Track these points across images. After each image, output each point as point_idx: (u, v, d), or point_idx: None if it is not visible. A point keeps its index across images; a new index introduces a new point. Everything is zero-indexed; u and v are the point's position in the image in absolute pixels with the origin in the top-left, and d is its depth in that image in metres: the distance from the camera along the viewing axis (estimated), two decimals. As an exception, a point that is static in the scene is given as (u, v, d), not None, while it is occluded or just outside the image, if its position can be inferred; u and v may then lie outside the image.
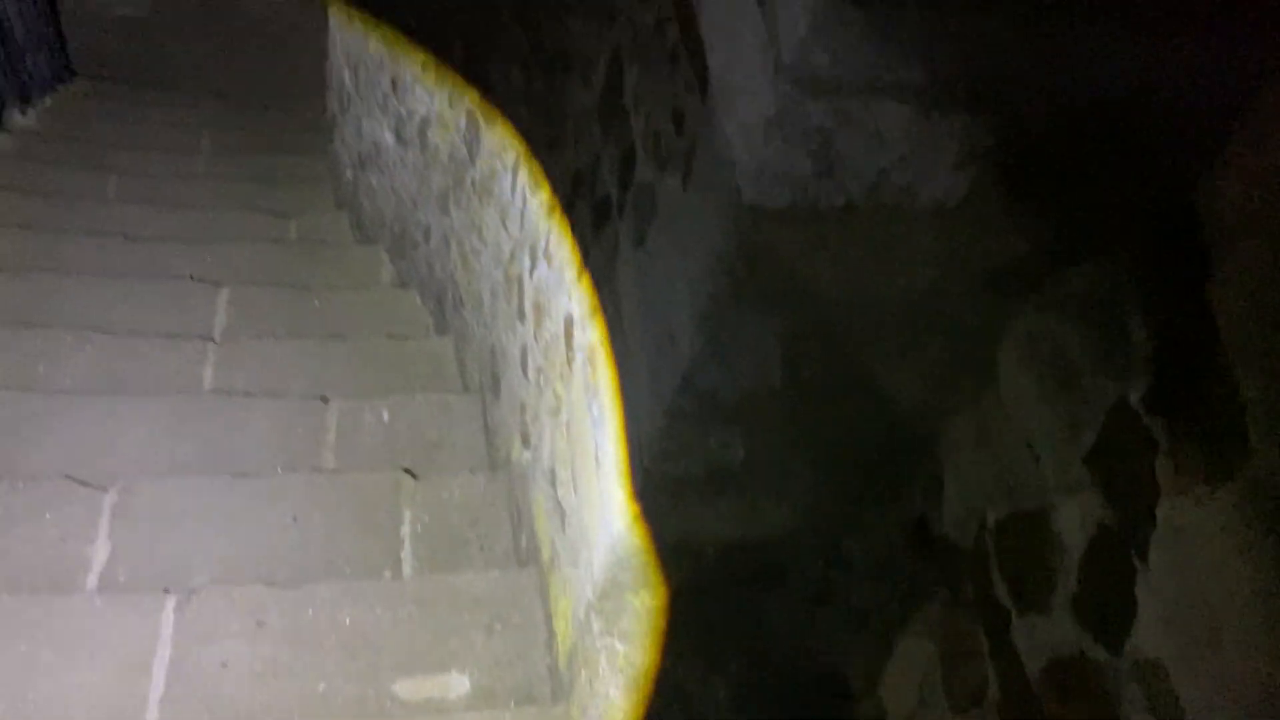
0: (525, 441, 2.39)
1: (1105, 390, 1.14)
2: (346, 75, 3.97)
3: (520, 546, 2.41)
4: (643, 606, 1.77)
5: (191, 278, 3.41)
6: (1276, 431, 0.91)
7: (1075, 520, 1.17)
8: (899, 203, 1.07)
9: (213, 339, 3.13)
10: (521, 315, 2.39)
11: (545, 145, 2.26)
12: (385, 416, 2.83)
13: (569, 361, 1.94)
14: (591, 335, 1.77)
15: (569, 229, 1.99)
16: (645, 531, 1.62)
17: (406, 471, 2.57)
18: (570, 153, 2.05)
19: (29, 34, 5.02)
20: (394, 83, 3.40)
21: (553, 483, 2.09)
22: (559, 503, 2.04)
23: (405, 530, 2.45)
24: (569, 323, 1.96)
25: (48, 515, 2.27)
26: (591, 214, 1.83)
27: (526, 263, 2.34)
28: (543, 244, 2.20)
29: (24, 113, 4.78)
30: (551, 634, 2.08)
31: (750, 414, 1.35)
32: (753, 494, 1.54)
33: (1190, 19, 0.92)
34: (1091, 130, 1.00)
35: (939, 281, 1.18)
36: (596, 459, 1.72)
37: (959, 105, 0.97)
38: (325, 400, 2.84)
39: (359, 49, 3.72)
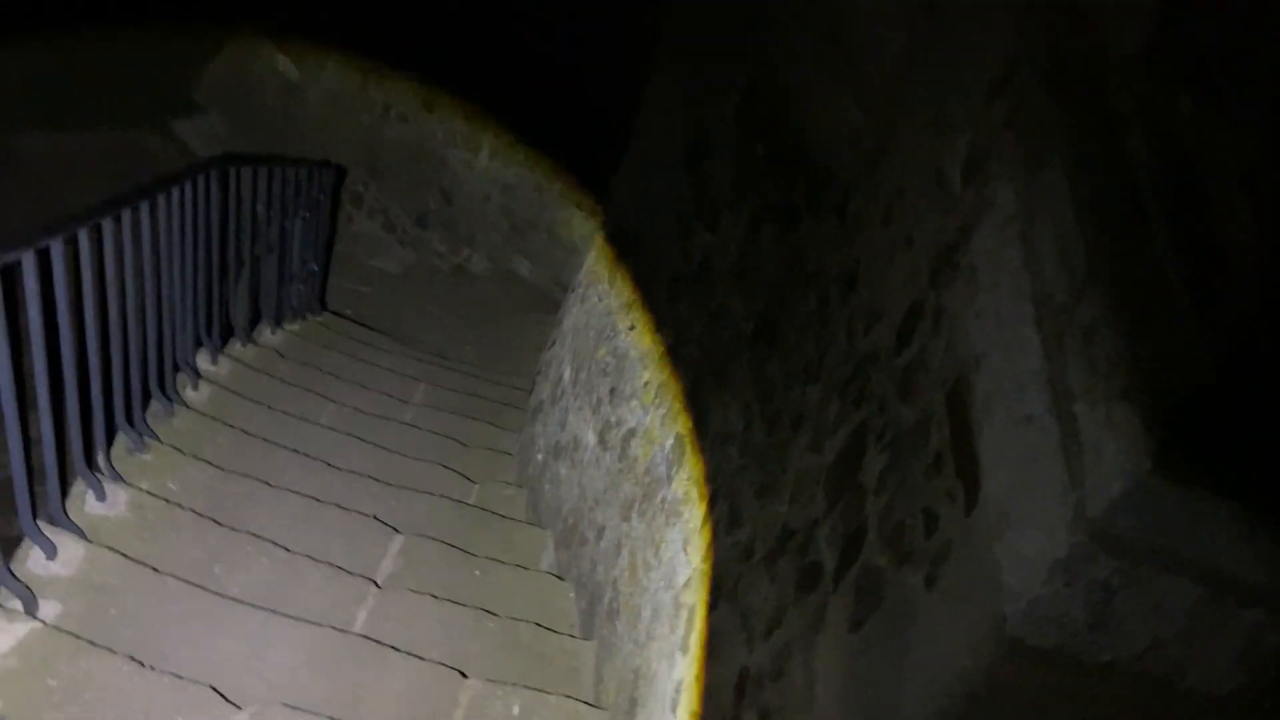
0: (655, 784, 2.27)
1: None
2: (567, 370, 4.24)
3: None
4: None
5: (375, 518, 3.54)
6: None
7: None
8: (1164, 676, 1.02)
9: (376, 582, 3.20)
10: (685, 649, 2.35)
11: (753, 490, 2.32)
12: (515, 710, 2.77)
13: (736, 718, 1.87)
14: (772, 700, 1.72)
15: (765, 580, 1.99)
16: None
17: (523, 776, 2.47)
18: (782, 505, 2.09)
19: (302, 266, 5.65)
20: (612, 391, 3.61)
21: (681, 842, 1.96)
22: None
23: (506, 841, 2.31)
24: (743, 676, 1.91)
25: (179, 718, 2.28)
26: (796, 575, 1.83)
27: (705, 597, 2.33)
28: (731, 585, 2.19)
29: (274, 332, 5.29)
30: None
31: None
32: None
33: None
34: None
35: (1189, 768, 1.10)
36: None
37: (1256, 601, 0.94)
38: (463, 676, 2.82)
39: (587, 352, 4.00)
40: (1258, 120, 0.94)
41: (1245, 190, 0.89)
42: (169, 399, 3.74)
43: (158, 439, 3.50)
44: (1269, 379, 0.83)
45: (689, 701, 2.18)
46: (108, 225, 2.79)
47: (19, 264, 2.31)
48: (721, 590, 2.24)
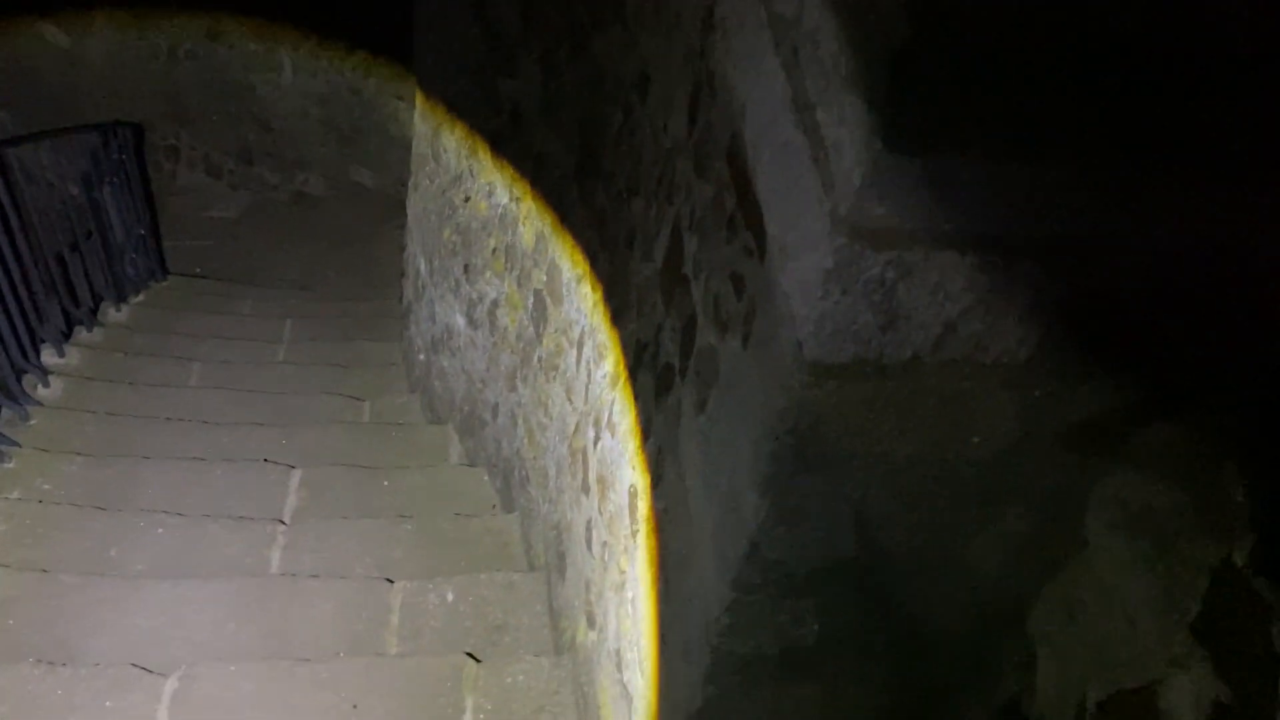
0: (590, 622, 2.30)
1: (1206, 552, 1.05)
2: (422, 264, 4.12)
3: (587, 736, 2.29)
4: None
5: (265, 460, 3.45)
6: None
7: (1187, 698, 1.05)
8: (968, 356, 1.03)
9: (283, 521, 3.13)
10: (586, 489, 2.36)
11: (610, 318, 2.28)
12: (449, 597, 2.77)
13: (633, 534, 1.89)
14: (658, 505, 1.72)
15: (632, 399, 1.97)
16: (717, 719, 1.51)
17: (469, 656, 2.49)
18: (634, 324, 2.06)
19: (128, 236, 5.34)
20: (466, 268, 3.51)
21: (619, 665, 2.00)
22: (625, 687, 1.94)
23: (468, 719, 2.34)
24: (633, 494, 1.92)
25: (108, 703, 2.23)
26: (654, 383, 1.81)
27: (591, 435, 2.32)
28: (606, 415, 2.18)
29: (118, 309, 5.03)
30: (619, 833, 1.94)
31: (823, 586, 1.28)
32: (832, 677, 1.44)
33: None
34: (1171, 281, 0.96)
35: (1015, 442, 1.12)
36: (663, 638, 1.64)
37: (1025, 254, 0.94)
38: (390, 581, 2.80)
39: (434, 237, 3.87)
40: None
41: None
42: (18, 403, 3.55)
43: (17, 445, 3.33)
44: (967, 24, 0.79)
45: (598, 532, 2.20)
46: None
47: None
48: (600, 423, 2.23)
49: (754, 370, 1.18)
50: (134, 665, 2.33)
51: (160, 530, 2.95)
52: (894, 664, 1.43)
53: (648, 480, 1.81)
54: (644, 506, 1.82)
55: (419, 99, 4.09)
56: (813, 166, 0.99)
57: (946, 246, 0.93)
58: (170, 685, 2.28)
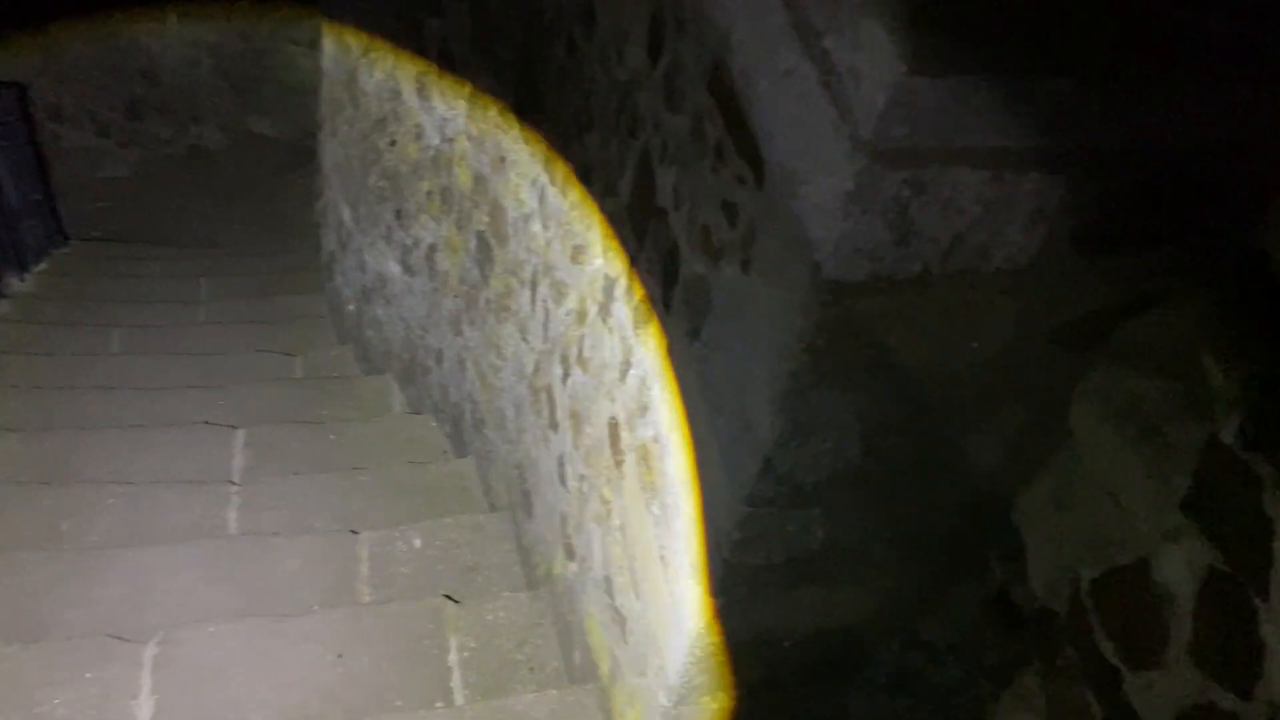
0: (569, 554, 2.35)
1: (1192, 434, 1.14)
2: (345, 212, 4.04)
3: (573, 664, 2.35)
4: (720, 709, 1.73)
5: (206, 423, 3.39)
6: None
7: (1181, 567, 1.15)
8: (972, 266, 1.09)
9: (233, 481, 3.10)
10: (554, 425, 2.39)
11: (568, 258, 2.30)
12: (417, 543, 2.80)
13: (618, 464, 1.93)
14: (644, 434, 1.77)
15: (607, 333, 2.00)
16: (721, 629, 1.59)
17: (447, 598, 2.52)
18: (598, 259, 2.08)
19: (23, 202, 5.10)
20: (398, 214, 3.46)
21: (609, 591, 2.05)
22: (618, 611, 2.00)
23: (453, 658, 2.39)
24: (614, 425, 1.96)
25: (88, 675, 2.20)
26: (632, 315, 1.84)
27: (557, 372, 2.35)
28: (575, 351, 2.21)
29: (21, 279, 4.82)
30: (621, 749, 2.02)
31: (830, 495, 1.35)
32: (831, 580, 1.52)
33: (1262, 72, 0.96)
34: (1161, 182, 1.03)
35: (1012, 343, 1.19)
36: (662, 559, 1.70)
37: (1031, 165, 1.00)
38: (355, 532, 2.81)
39: (358, 184, 3.80)
40: None
41: None
42: (-66, 383, 3.40)
43: (-60, 427, 3.20)
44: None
45: (573, 467, 2.24)
46: None
47: None
48: (569, 359, 2.25)
49: (760, 294, 1.23)
50: (109, 635, 2.30)
51: (111, 500, 2.89)
52: (890, 563, 1.51)
53: (630, 410, 1.85)
54: (628, 435, 1.87)
55: (329, 40, 3.97)
56: (824, 93, 1.02)
57: (960, 162, 0.98)
58: (150, 651, 2.27)
